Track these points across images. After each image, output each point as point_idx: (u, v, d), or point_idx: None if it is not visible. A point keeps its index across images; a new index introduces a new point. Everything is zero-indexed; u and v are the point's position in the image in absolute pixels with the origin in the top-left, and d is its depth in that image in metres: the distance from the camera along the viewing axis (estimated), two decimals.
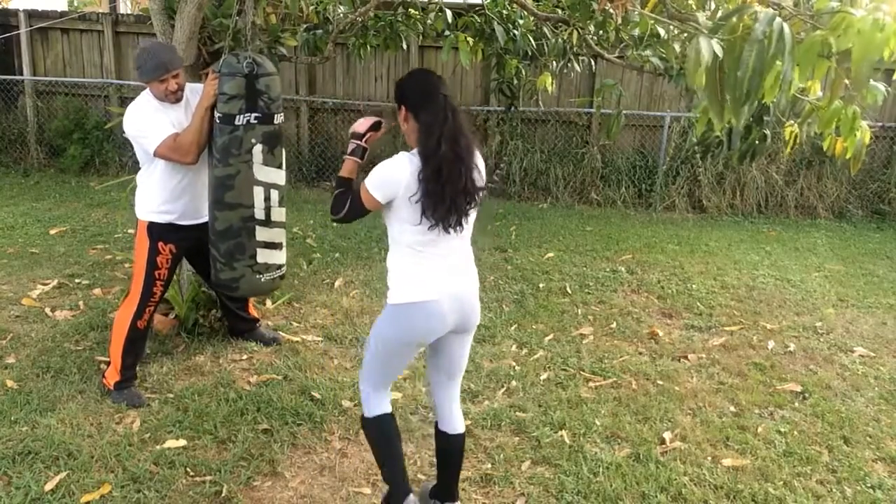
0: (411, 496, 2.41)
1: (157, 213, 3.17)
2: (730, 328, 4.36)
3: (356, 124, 2.38)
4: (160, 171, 3.12)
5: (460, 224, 2.21)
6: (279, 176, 3.20)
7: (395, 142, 8.05)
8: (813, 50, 1.56)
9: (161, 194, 3.15)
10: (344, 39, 5.07)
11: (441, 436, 2.49)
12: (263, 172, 3.11)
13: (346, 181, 2.32)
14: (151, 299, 3.21)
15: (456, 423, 2.49)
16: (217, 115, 3.00)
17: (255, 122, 3.02)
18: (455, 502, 2.56)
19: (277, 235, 3.26)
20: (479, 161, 2.28)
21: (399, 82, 2.30)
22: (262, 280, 3.24)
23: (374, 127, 2.37)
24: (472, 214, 2.27)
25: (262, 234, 3.18)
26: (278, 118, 3.12)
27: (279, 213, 3.24)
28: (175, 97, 3.06)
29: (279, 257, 3.30)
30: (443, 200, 2.14)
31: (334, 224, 2.27)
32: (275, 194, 3.19)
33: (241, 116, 2.99)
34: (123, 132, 3.12)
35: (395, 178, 2.16)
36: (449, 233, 2.20)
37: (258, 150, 3.06)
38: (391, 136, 7.98)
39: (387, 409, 2.42)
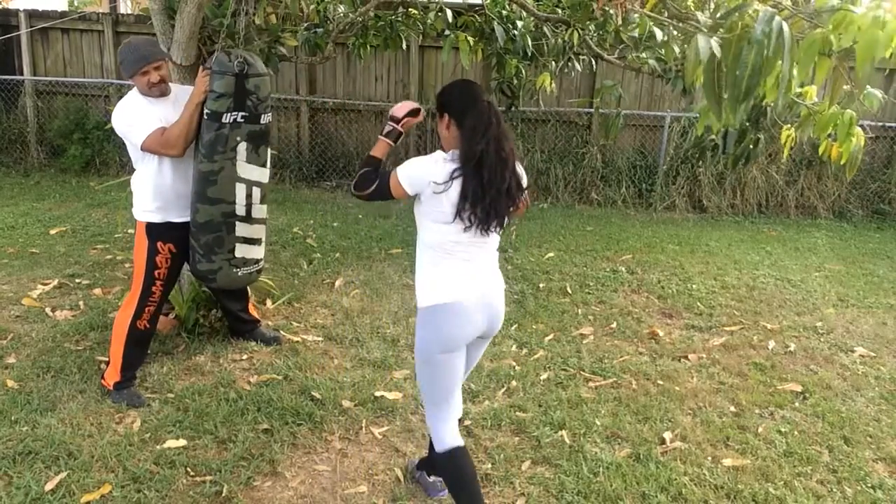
0: None
1: (153, 213, 3.17)
2: (730, 328, 4.35)
3: (395, 108, 2.40)
4: (153, 171, 3.12)
5: (500, 226, 2.23)
6: (262, 174, 3.26)
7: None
8: (813, 48, 1.56)
9: (155, 193, 3.15)
10: (344, 39, 5.07)
11: None
12: (247, 170, 3.17)
13: (375, 161, 2.34)
14: (150, 299, 3.21)
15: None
16: (205, 111, 3.03)
17: (242, 120, 3.07)
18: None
19: (257, 231, 3.34)
20: (520, 167, 2.28)
21: (442, 91, 2.30)
22: (239, 274, 3.32)
23: (412, 113, 2.40)
24: (509, 218, 2.26)
25: (242, 229, 3.25)
26: (265, 118, 3.16)
27: (260, 210, 3.31)
28: (159, 90, 3.06)
29: (257, 252, 3.38)
30: (483, 202, 2.14)
31: (356, 199, 2.29)
32: (257, 192, 3.26)
33: (229, 115, 3.03)
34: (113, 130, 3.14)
35: (425, 174, 2.18)
36: (486, 235, 2.21)
37: (243, 148, 3.12)
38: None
39: (456, 441, 2.33)
